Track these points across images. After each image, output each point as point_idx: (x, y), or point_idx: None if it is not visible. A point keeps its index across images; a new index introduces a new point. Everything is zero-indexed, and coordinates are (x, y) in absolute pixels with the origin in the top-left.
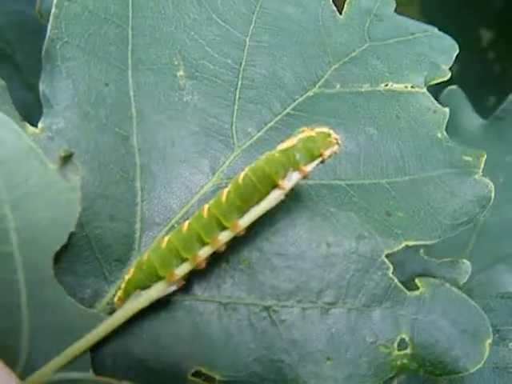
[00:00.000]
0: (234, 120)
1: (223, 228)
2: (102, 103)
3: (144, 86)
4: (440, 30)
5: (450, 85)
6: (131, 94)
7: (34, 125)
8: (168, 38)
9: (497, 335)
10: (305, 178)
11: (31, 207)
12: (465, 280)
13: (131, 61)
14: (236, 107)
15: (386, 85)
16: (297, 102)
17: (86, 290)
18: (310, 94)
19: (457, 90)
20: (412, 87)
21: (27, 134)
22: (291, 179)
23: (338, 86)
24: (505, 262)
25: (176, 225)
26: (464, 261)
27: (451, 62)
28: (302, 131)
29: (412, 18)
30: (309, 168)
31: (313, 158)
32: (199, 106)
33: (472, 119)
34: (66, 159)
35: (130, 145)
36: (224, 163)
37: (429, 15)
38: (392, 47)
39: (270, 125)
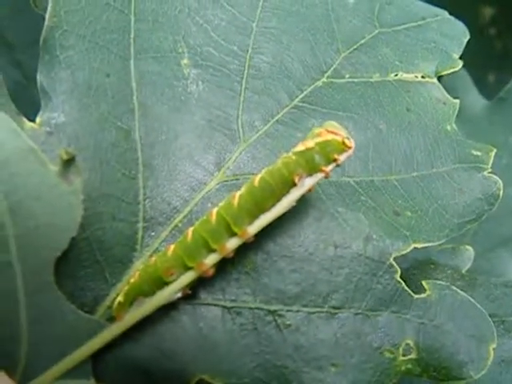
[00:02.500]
0: (240, 112)
1: (232, 234)
2: (103, 95)
3: (147, 76)
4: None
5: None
6: (133, 84)
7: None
8: (172, 22)
9: (502, 326)
10: (326, 177)
11: (31, 212)
12: (467, 267)
13: (133, 49)
14: (242, 98)
15: (396, 74)
16: (305, 92)
17: (87, 293)
18: (318, 84)
19: (461, 71)
20: (422, 77)
21: (25, 130)
22: (310, 181)
23: (348, 75)
24: (506, 245)
25: (179, 224)
26: (467, 247)
27: (462, 49)
28: (319, 134)
29: None
30: (328, 169)
31: (329, 162)
32: (204, 97)
33: (476, 100)
34: (68, 160)
35: (131, 139)
36: (230, 159)
37: None
38: (402, 34)
39: (276, 118)
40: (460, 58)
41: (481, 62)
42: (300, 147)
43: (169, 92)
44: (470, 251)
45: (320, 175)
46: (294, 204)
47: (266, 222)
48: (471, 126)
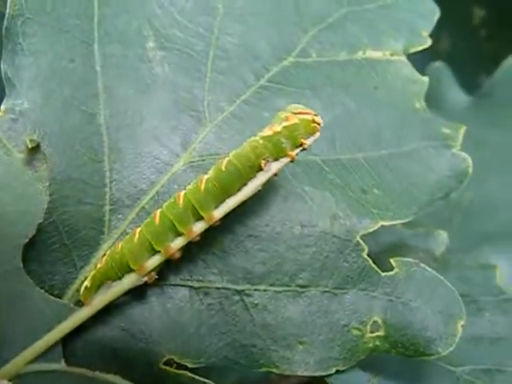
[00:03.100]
0: (206, 93)
1: (199, 218)
2: (67, 80)
3: (111, 60)
4: None
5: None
6: (98, 68)
7: None
8: (136, 6)
9: (473, 305)
10: (292, 161)
11: None
12: (441, 250)
13: (97, 33)
14: (208, 80)
15: (364, 52)
16: (271, 72)
17: (55, 277)
18: (285, 63)
19: (443, 66)
20: (391, 55)
21: None
22: (276, 165)
23: (314, 54)
24: (490, 241)
25: (146, 206)
26: (440, 232)
27: (431, 27)
28: (286, 118)
29: None
30: (295, 153)
31: (296, 146)
32: (170, 79)
33: (458, 96)
34: (33, 148)
35: (97, 123)
36: (196, 140)
37: None
38: (371, 12)
39: (242, 98)
40: (451, 59)
41: (471, 64)
42: (267, 131)
43: (134, 75)
44: (443, 235)
45: (286, 160)
46: (260, 188)
47: (232, 206)
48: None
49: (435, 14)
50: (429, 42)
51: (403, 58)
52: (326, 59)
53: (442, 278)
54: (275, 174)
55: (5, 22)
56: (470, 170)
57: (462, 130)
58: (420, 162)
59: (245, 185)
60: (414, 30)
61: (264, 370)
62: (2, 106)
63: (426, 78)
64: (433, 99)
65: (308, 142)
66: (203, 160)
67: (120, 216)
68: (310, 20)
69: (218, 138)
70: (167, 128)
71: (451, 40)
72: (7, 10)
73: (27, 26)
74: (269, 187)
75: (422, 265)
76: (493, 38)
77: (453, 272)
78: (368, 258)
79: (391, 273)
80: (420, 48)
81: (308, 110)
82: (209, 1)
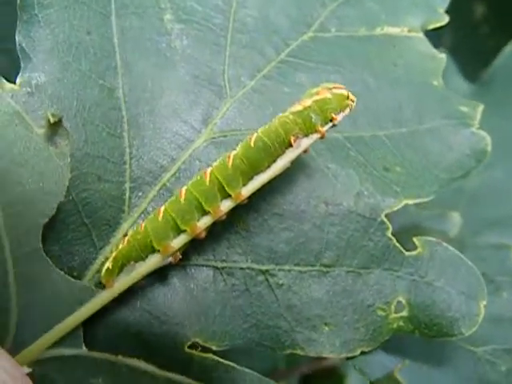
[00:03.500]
0: (226, 67)
1: (226, 196)
2: (85, 53)
3: (129, 32)
4: None
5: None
6: (115, 41)
7: None
8: None
9: (491, 285)
10: (322, 138)
11: (16, 178)
12: (455, 232)
13: (114, 4)
14: (227, 53)
15: (382, 29)
16: (291, 47)
17: (75, 257)
18: (304, 38)
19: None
20: (409, 31)
21: (5, 92)
22: (306, 142)
23: (334, 29)
24: (495, 227)
25: (167, 183)
26: (453, 214)
27: (446, 5)
28: (317, 92)
29: None
30: (325, 129)
31: (326, 122)
32: (188, 53)
33: (460, 84)
34: (55, 123)
35: (115, 97)
36: (217, 115)
37: None
38: None
39: (263, 73)
40: (453, 55)
41: (473, 59)
42: (297, 107)
43: (152, 48)
44: (456, 217)
45: (316, 136)
46: (289, 165)
47: (261, 183)
48: None
49: None
50: (446, 19)
51: (421, 35)
52: (346, 34)
53: (463, 256)
54: (305, 151)
55: None
56: (489, 148)
57: (480, 108)
58: (440, 141)
59: (274, 161)
60: (430, 7)
61: (289, 351)
62: (18, 80)
63: (443, 55)
64: None
65: (339, 117)
66: (225, 136)
67: (140, 194)
68: None
69: (239, 114)
70: (187, 103)
71: (452, 36)
72: None
73: None
74: (293, 164)
75: (445, 244)
76: (494, 34)
77: (469, 252)
78: (392, 237)
79: (414, 252)
80: (438, 25)
81: (342, 86)
82: None
